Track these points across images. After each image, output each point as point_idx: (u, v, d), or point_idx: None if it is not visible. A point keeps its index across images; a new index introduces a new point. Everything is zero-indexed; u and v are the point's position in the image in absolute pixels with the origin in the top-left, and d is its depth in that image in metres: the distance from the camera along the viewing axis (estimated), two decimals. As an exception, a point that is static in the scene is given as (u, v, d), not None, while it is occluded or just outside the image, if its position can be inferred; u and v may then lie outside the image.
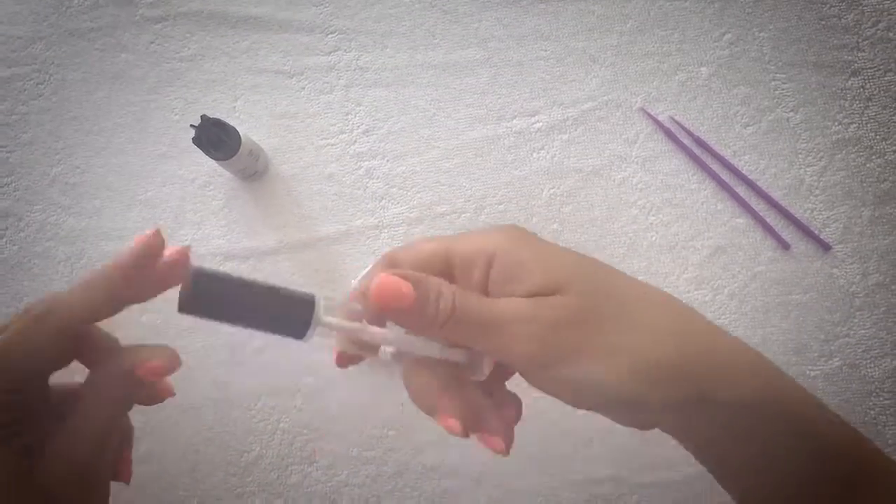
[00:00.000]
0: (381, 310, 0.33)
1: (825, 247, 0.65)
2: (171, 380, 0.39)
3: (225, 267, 0.66)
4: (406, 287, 0.33)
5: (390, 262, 0.38)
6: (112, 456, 0.38)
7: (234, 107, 0.68)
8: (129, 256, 0.37)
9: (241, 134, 0.54)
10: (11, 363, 0.35)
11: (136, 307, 0.57)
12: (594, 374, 0.33)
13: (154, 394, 0.39)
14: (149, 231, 0.37)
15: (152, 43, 0.70)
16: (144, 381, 0.36)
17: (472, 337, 0.34)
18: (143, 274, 0.38)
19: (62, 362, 0.36)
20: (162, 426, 0.62)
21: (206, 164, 0.67)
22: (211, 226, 0.66)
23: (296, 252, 0.66)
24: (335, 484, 0.62)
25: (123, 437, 0.42)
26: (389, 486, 0.61)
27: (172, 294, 0.65)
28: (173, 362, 0.36)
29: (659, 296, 0.37)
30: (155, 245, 0.37)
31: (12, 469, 0.35)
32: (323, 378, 0.64)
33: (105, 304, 0.36)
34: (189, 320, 0.64)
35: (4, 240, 0.65)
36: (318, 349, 0.65)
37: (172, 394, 0.39)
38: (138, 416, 0.62)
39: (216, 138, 0.58)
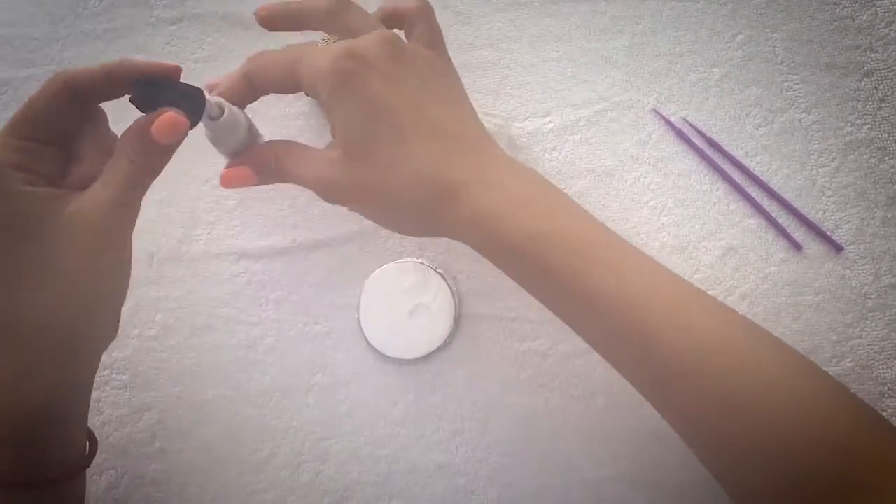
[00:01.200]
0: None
1: (837, 248, 0.65)
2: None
3: (238, 266, 0.66)
4: (249, 173, 0.49)
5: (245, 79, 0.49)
6: (132, 217, 0.44)
7: (249, 107, 0.69)
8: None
9: (224, 106, 0.52)
10: (22, 117, 0.42)
11: (150, 306, 0.61)
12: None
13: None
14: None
15: (167, 44, 0.70)
16: (164, 141, 0.42)
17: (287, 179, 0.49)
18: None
19: (70, 121, 0.44)
20: (175, 424, 0.63)
21: (220, 163, 0.68)
22: (225, 225, 0.67)
23: (309, 251, 0.66)
24: (347, 482, 0.62)
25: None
26: (401, 484, 0.62)
27: (186, 294, 0.64)
28: (181, 123, 0.43)
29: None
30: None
31: (43, 206, 0.41)
32: (335, 376, 0.65)
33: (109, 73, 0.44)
34: (204, 318, 0.65)
35: (21, 238, 0.66)
36: (329, 349, 0.65)
37: (184, 128, 0.44)
38: (152, 414, 0.62)
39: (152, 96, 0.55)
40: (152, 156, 0.43)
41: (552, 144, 0.68)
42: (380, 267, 0.66)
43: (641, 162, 0.67)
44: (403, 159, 0.43)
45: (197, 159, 0.68)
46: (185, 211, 0.67)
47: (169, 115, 0.41)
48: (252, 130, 0.50)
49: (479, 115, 0.64)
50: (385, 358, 0.64)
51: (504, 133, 0.65)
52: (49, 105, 0.42)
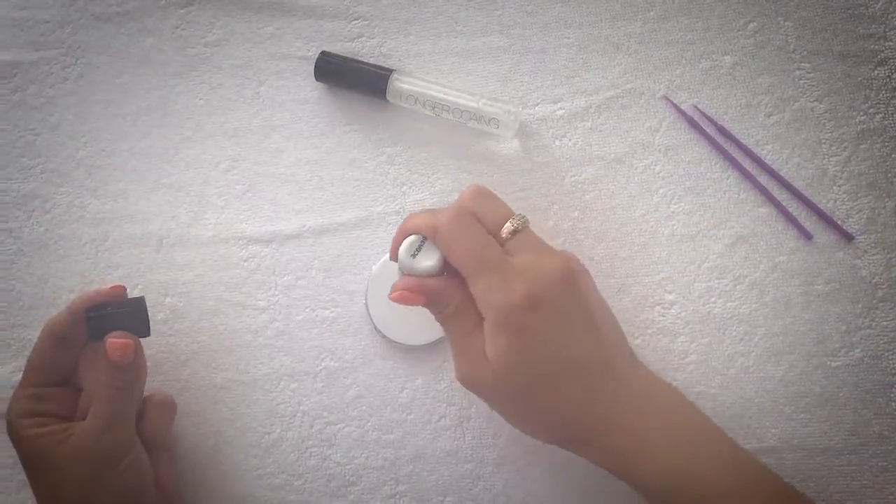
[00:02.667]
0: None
1: (848, 237, 0.64)
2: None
3: (247, 250, 0.66)
4: (420, 299, 0.51)
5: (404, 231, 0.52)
6: (129, 427, 0.53)
7: (258, 92, 0.69)
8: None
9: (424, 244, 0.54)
10: (29, 368, 0.54)
11: (159, 289, 0.62)
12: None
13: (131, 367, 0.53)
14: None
15: (177, 28, 0.70)
16: (120, 364, 0.51)
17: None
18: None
19: (67, 363, 0.55)
20: (183, 407, 0.63)
21: (230, 148, 0.68)
22: (234, 210, 0.67)
23: (318, 236, 0.66)
24: (354, 466, 0.62)
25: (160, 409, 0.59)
26: (407, 469, 0.62)
27: (195, 279, 0.64)
28: (126, 345, 0.51)
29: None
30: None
31: (49, 442, 0.50)
32: (343, 361, 0.64)
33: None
34: (212, 302, 0.65)
35: (31, 221, 0.66)
36: (337, 334, 0.65)
37: (128, 356, 0.52)
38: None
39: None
40: (122, 375, 0.51)
41: (562, 131, 0.67)
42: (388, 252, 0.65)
43: (652, 150, 0.67)
44: (551, 405, 0.48)
45: (208, 144, 0.68)
46: (195, 195, 0.67)
47: (113, 342, 0.51)
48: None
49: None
50: (392, 343, 0.64)
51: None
52: (45, 355, 0.52)
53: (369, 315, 0.64)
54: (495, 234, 0.49)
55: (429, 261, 0.51)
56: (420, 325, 0.62)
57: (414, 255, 0.51)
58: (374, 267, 0.65)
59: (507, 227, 0.49)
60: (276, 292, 0.65)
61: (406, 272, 0.51)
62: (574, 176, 0.66)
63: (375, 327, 0.63)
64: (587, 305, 0.49)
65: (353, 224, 0.66)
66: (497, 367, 0.47)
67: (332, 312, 0.65)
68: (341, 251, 0.66)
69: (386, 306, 0.63)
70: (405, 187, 0.67)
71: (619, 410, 0.48)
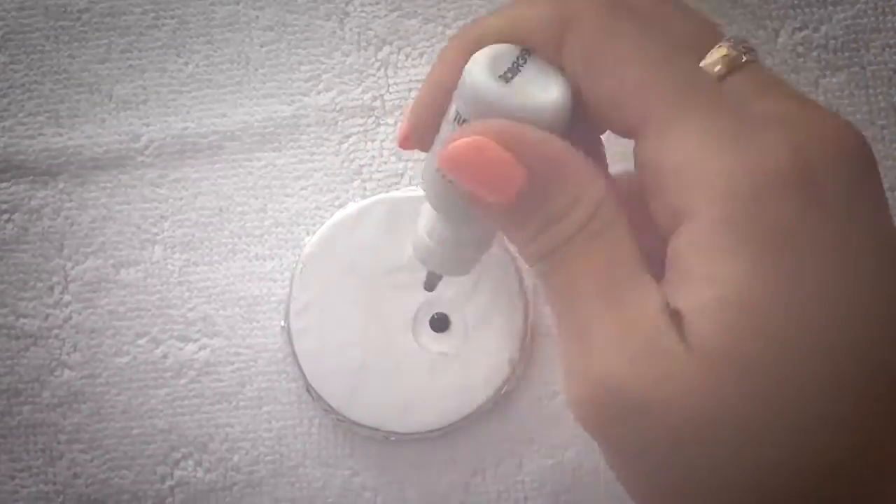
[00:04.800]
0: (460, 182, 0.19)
1: None
2: None
3: None
4: (511, 167, 0.19)
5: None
6: None
7: None
8: None
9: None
10: None
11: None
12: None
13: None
14: None
15: None
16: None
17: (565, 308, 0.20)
18: None
19: None
20: None
21: None
22: None
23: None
24: None
25: None
26: None
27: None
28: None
29: None
30: None
31: None
32: (223, 470, 0.27)
33: None
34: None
35: None
36: (212, 399, 0.27)
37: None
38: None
39: None
40: None
41: None
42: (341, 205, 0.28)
43: None
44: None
45: None
46: None
47: None
48: None
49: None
50: (348, 427, 0.28)
51: None
52: None
53: (296, 358, 0.28)
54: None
55: (545, 91, 0.19)
56: (417, 370, 0.27)
57: (507, 79, 0.19)
58: (306, 239, 0.29)
59: (718, 53, 0.20)
60: (58, 295, 0.28)
61: (485, 113, 0.19)
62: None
63: (310, 388, 0.28)
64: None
65: (245, 132, 0.28)
66: (718, 339, 0.18)
67: (196, 351, 0.28)
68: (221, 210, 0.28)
69: (337, 345, 0.26)
70: (380, 51, 0.29)
71: None
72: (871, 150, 0.19)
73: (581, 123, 0.20)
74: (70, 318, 0.28)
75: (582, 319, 0.19)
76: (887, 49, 0.29)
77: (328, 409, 0.27)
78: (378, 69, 0.29)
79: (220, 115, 0.29)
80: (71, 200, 0.28)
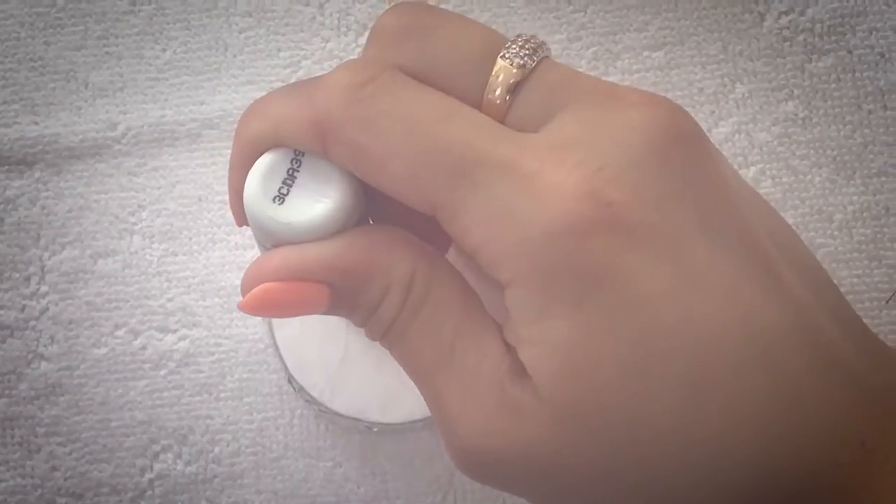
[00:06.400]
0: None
1: None
2: None
3: None
4: (316, 296, 0.19)
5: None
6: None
7: None
8: None
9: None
10: None
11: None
12: None
13: None
14: None
15: None
16: None
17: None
18: None
19: None
20: None
21: None
22: None
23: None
24: None
25: None
26: None
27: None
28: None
29: None
30: None
31: None
32: (205, 461, 0.26)
33: None
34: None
35: None
36: (193, 390, 0.26)
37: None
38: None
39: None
40: None
41: None
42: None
43: None
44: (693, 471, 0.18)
45: None
46: None
47: None
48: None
49: None
50: (334, 418, 0.28)
51: None
52: None
53: (277, 349, 0.28)
54: (475, 98, 0.19)
55: (320, 202, 0.19)
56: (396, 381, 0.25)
57: (281, 199, 0.19)
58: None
59: (501, 75, 0.19)
60: (35, 286, 0.28)
61: (270, 239, 0.19)
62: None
63: (292, 378, 0.28)
64: (733, 207, 0.19)
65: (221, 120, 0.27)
66: (554, 389, 0.18)
67: (175, 342, 0.27)
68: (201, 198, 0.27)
69: (318, 340, 0.26)
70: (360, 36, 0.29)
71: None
72: (686, 138, 0.19)
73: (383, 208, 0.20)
74: (47, 309, 0.28)
75: (431, 390, 0.19)
76: (874, 32, 0.28)
77: (310, 400, 0.27)
78: (358, 55, 0.29)
79: (199, 103, 0.28)
80: (47, 190, 0.28)
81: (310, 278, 0.19)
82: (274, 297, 0.19)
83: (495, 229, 0.18)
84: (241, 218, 0.20)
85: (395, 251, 0.19)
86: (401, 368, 0.26)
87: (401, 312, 0.19)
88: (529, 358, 0.18)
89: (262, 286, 0.19)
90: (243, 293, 0.19)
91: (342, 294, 0.19)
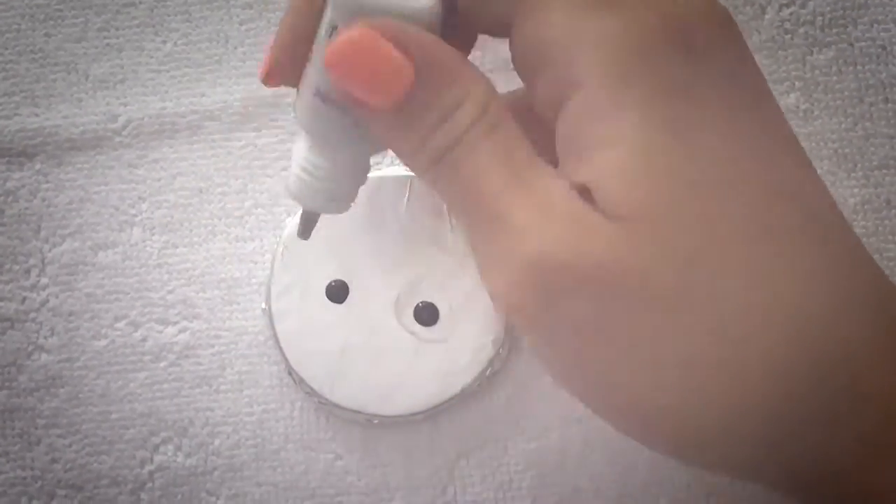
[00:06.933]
0: (340, 86, 0.18)
1: None
2: None
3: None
4: (400, 61, 0.17)
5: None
6: None
7: None
8: None
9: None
10: None
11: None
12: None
13: None
14: None
15: None
16: None
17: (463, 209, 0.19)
18: None
19: None
20: None
21: None
22: None
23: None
24: None
25: None
26: None
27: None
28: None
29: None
30: None
31: None
32: (205, 454, 0.26)
33: None
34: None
35: None
36: (193, 383, 0.26)
37: None
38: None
39: None
40: None
41: None
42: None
43: None
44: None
45: None
46: None
47: None
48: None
49: None
50: (331, 410, 0.27)
51: None
52: None
53: (277, 341, 0.27)
54: None
55: None
56: (400, 353, 0.27)
57: None
58: (286, 227, 0.29)
59: None
60: (35, 278, 0.28)
61: (364, 13, 0.18)
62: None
63: (292, 371, 0.27)
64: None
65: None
66: (629, 197, 0.17)
67: (176, 334, 0.27)
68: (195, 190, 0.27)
69: (317, 329, 0.25)
70: None
71: None
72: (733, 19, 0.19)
73: (452, 37, 0.19)
74: (47, 301, 0.27)
75: (495, 210, 0.18)
76: (875, 25, 0.28)
77: (310, 393, 0.27)
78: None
79: (199, 95, 0.28)
80: (47, 182, 0.28)
81: (405, 48, 0.17)
82: (367, 50, 0.17)
83: (585, 20, 0.18)
84: (284, 68, 0.20)
85: (476, 70, 0.18)
86: (401, 360, 0.26)
87: (473, 126, 0.18)
88: (602, 165, 0.17)
89: (363, 31, 0.17)
90: (335, 50, 0.17)
91: (424, 82, 0.18)
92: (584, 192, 0.17)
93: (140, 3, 0.28)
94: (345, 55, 0.17)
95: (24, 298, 0.28)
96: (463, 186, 0.18)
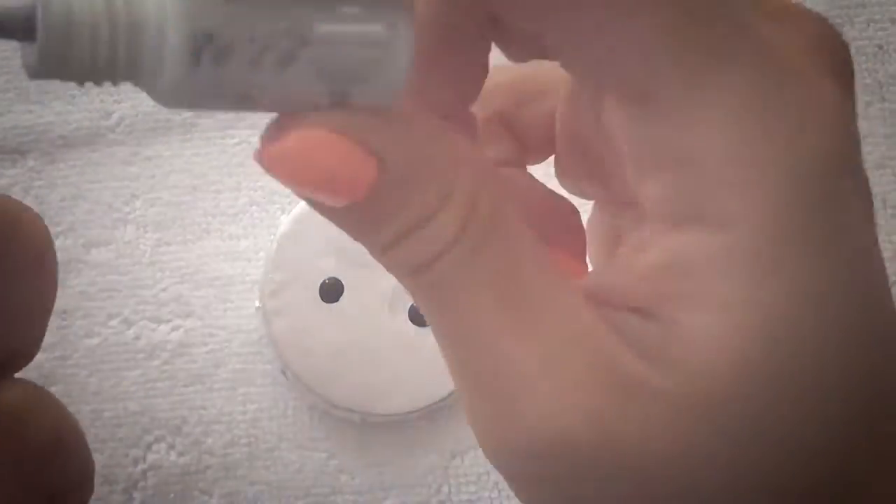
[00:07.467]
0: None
1: None
2: None
3: None
4: (359, 163, 0.13)
5: None
6: None
7: None
8: None
9: None
10: None
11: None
12: None
13: None
14: None
15: None
16: None
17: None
18: None
19: None
20: None
21: None
22: None
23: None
24: None
25: None
26: None
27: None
28: None
29: None
30: None
31: None
32: (197, 452, 0.27)
33: None
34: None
35: None
36: (188, 381, 0.26)
37: None
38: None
39: None
40: None
41: None
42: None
43: None
44: None
45: None
46: None
47: None
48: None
49: None
50: (328, 408, 0.28)
51: None
52: None
53: (271, 339, 0.28)
54: None
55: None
56: (394, 352, 0.27)
57: None
58: (280, 225, 0.29)
59: None
60: None
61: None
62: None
63: (286, 369, 0.28)
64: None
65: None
66: (721, 374, 0.12)
67: (169, 332, 0.27)
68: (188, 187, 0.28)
69: (314, 328, 0.25)
70: None
71: None
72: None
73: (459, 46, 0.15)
74: (40, 298, 0.28)
75: (488, 348, 0.14)
76: (872, 24, 0.28)
77: (304, 391, 0.27)
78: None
79: (194, 92, 0.28)
80: (40, 179, 0.28)
81: (363, 142, 0.13)
82: (312, 150, 0.13)
83: (749, 135, 0.13)
84: None
85: (464, 144, 0.14)
86: (396, 359, 0.26)
87: (459, 237, 0.13)
88: (706, 322, 0.13)
89: (302, 133, 0.12)
90: (267, 142, 0.13)
91: (391, 182, 0.13)
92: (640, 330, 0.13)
93: None
94: (287, 158, 0.13)
95: (17, 296, 0.28)
96: (448, 318, 0.14)
